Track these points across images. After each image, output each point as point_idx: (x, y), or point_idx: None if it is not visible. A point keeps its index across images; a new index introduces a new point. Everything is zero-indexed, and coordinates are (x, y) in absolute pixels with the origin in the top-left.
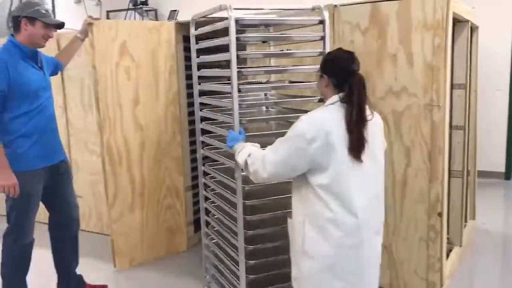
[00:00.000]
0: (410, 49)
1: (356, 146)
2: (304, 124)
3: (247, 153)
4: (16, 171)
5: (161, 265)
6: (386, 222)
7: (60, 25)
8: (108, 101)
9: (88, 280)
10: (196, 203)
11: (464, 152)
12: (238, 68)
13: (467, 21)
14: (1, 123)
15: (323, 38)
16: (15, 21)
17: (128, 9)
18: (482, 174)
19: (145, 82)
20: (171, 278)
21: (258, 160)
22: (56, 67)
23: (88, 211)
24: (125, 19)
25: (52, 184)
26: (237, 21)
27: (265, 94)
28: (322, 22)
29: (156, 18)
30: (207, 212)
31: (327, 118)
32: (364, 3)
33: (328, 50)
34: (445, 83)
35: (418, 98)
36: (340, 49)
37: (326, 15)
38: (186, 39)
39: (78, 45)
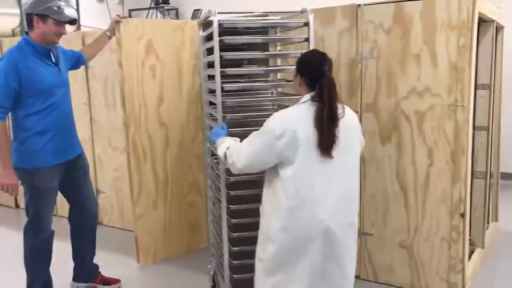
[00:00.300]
0: (434, 49)
1: (326, 144)
2: (274, 122)
3: (226, 146)
4: (32, 168)
5: (183, 261)
6: (407, 222)
7: (73, 21)
8: (134, 99)
9: (112, 275)
10: None
11: (487, 153)
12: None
13: (493, 21)
14: (15, 120)
15: (307, 40)
16: (28, 19)
17: (150, 8)
18: (505, 176)
19: (169, 81)
20: (193, 274)
21: (235, 152)
22: (78, 61)
23: (110, 206)
24: (146, 18)
25: (69, 179)
26: (220, 24)
27: (272, 93)
28: (307, 24)
29: (177, 17)
30: (213, 202)
31: (296, 116)
32: (388, 2)
33: None
34: (469, 83)
35: (441, 99)
36: (314, 50)
37: (310, 18)
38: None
39: (104, 42)
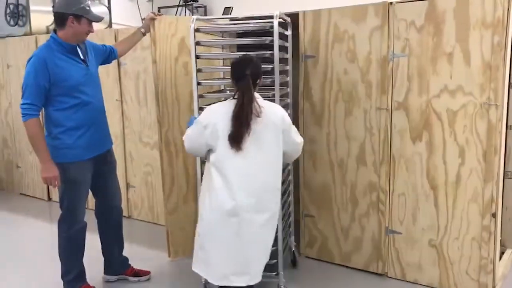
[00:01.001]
0: (467, 47)
1: (234, 137)
2: (203, 114)
3: (187, 132)
4: (64, 162)
5: None
6: (437, 221)
7: (100, 20)
8: (167, 96)
9: (143, 268)
10: None
11: None
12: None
13: None
14: (47, 117)
15: (272, 42)
16: (61, 18)
17: (179, 5)
18: None
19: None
20: None
21: (185, 137)
22: (110, 55)
23: (140, 201)
24: (175, 15)
25: (99, 173)
26: (197, 29)
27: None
28: (271, 28)
29: (205, 14)
30: None
31: (219, 111)
32: (421, 0)
33: (276, 54)
34: (503, 82)
35: (474, 97)
36: (243, 55)
37: (275, 23)
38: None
39: (138, 38)
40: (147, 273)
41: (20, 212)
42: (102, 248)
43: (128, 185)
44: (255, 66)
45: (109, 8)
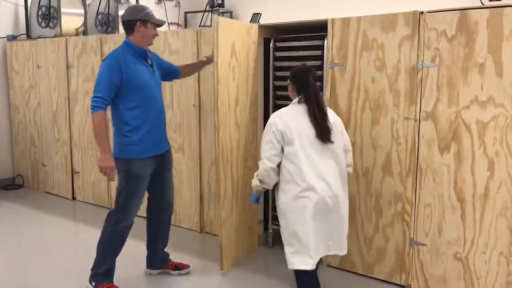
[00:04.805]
0: (500, 58)
1: (323, 133)
2: (274, 119)
3: (255, 176)
4: (131, 158)
5: (251, 263)
6: (463, 234)
7: (163, 24)
8: (224, 100)
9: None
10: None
11: None
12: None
13: None
14: (117, 114)
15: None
16: (129, 24)
17: (205, 10)
18: None
19: (242, 82)
20: (263, 276)
21: (259, 171)
22: (171, 73)
23: None
24: (201, 20)
25: (158, 171)
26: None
27: None
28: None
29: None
30: None
31: (288, 114)
32: (452, 10)
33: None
34: None
35: (505, 109)
36: (302, 64)
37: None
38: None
39: (202, 65)
40: (186, 266)
41: (45, 210)
42: (147, 243)
43: None
44: (315, 74)
45: None
